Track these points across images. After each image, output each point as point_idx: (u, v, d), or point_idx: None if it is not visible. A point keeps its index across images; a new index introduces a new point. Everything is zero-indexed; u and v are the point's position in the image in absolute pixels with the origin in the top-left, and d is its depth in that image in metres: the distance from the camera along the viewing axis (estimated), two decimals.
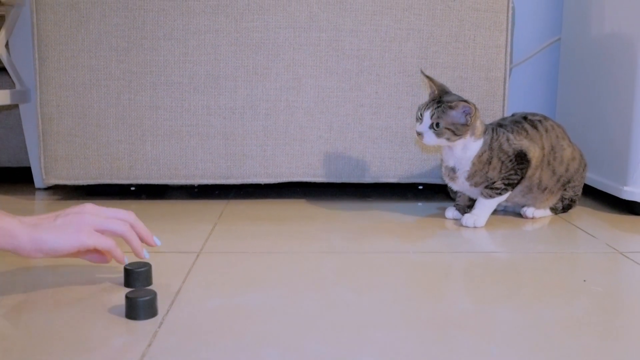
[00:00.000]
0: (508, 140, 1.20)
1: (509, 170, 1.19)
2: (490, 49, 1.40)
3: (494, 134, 1.20)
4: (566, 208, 1.31)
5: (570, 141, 1.28)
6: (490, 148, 1.18)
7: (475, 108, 1.15)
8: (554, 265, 0.96)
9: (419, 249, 1.05)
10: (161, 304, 0.77)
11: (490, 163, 1.19)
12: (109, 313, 0.74)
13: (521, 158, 1.19)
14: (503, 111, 1.42)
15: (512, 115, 1.29)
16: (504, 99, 1.42)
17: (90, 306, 0.77)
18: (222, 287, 0.84)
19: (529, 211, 1.28)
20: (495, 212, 1.26)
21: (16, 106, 1.62)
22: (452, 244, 1.09)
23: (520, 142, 1.20)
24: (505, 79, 1.41)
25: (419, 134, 1.15)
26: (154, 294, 0.74)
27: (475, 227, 1.20)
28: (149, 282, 0.84)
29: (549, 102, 1.85)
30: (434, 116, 1.13)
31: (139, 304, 0.72)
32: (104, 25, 1.35)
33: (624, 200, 1.32)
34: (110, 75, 1.36)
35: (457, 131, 1.14)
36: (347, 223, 1.23)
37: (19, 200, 1.45)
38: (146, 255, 0.84)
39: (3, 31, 1.48)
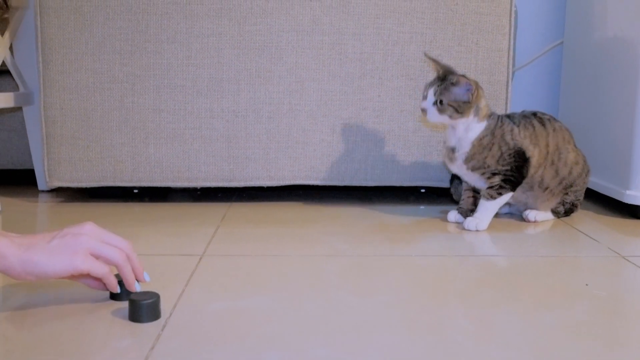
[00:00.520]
0: (512, 132, 1.21)
1: (506, 164, 1.20)
2: (492, 52, 1.40)
3: (499, 122, 1.22)
4: (568, 212, 1.31)
5: (575, 146, 1.29)
6: (493, 134, 1.20)
7: (478, 86, 1.18)
8: (556, 269, 0.96)
9: (421, 252, 1.05)
10: (164, 307, 0.77)
11: (490, 149, 1.20)
12: (112, 316, 0.75)
13: (519, 156, 1.20)
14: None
15: (522, 111, 1.30)
16: (506, 102, 1.42)
17: (93, 309, 0.77)
18: (224, 290, 0.85)
19: (531, 215, 1.28)
20: (497, 215, 1.26)
21: (20, 109, 1.63)
22: (454, 248, 1.09)
23: (523, 140, 1.21)
24: (507, 82, 1.42)
25: (423, 110, 1.19)
26: (157, 297, 0.74)
27: (477, 230, 1.20)
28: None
29: (552, 106, 1.85)
30: (437, 93, 1.17)
31: (142, 306, 0.72)
32: (107, 28, 1.35)
33: (627, 204, 1.32)
34: (114, 78, 1.37)
35: (459, 108, 1.17)
36: (350, 226, 1.23)
37: (22, 202, 1.45)
38: (137, 288, 0.78)
39: (7, 34, 1.48)
